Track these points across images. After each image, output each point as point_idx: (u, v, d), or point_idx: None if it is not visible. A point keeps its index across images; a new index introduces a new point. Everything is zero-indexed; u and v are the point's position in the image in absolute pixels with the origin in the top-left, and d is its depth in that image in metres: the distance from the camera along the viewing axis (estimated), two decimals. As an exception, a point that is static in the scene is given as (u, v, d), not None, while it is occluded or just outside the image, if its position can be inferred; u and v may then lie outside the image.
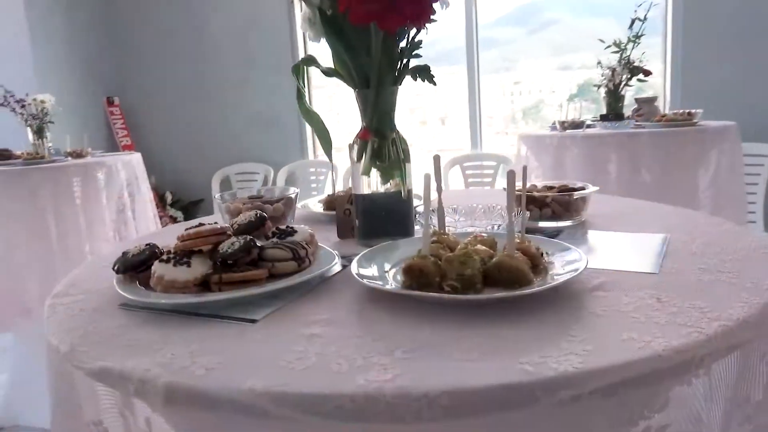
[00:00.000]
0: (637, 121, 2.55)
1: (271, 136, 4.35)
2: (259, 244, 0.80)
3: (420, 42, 0.95)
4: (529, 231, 0.99)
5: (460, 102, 4.31)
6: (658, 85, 3.72)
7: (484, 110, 4.37)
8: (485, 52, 4.86)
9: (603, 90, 2.63)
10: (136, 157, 3.21)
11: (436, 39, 4.92)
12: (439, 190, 0.82)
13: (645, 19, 2.55)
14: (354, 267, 0.77)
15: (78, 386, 0.65)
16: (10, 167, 2.82)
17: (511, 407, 0.51)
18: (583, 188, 1.07)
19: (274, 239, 0.85)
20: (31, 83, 3.80)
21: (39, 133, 3.07)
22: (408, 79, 0.95)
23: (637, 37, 2.59)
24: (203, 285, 0.76)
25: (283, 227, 0.89)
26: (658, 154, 2.25)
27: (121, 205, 3.10)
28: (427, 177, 0.72)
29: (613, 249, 0.89)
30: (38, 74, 3.94)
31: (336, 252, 0.87)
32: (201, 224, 0.82)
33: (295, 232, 0.87)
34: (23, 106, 3.03)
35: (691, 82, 3.50)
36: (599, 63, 2.62)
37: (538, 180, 2.55)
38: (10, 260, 2.77)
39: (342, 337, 0.62)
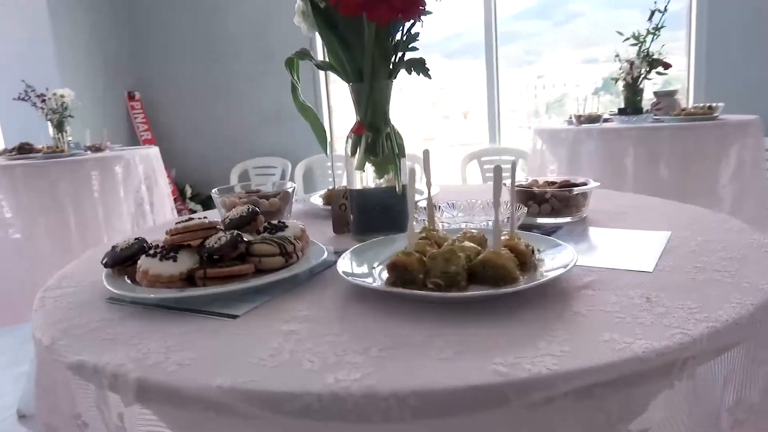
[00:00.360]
0: (655, 115, 2.49)
1: (289, 131, 4.36)
2: (246, 239, 0.80)
3: (416, 35, 0.94)
4: (527, 227, 0.98)
5: (483, 96, 4.27)
6: (682, 79, 3.64)
7: (506, 104, 4.32)
8: (508, 45, 4.81)
9: (621, 83, 2.58)
10: (154, 151, 3.24)
11: (461, 32, 4.89)
12: (429, 185, 0.80)
13: (665, 10, 2.49)
14: (340, 263, 0.76)
15: (59, 379, 0.66)
16: (30, 161, 2.87)
17: (482, 408, 0.49)
18: (584, 184, 1.04)
19: (265, 234, 0.85)
20: (53, 78, 3.86)
21: (59, 127, 3.12)
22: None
23: (657, 28, 2.53)
24: (190, 280, 0.76)
25: (275, 222, 0.89)
26: (676, 148, 2.20)
27: (140, 198, 3.14)
28: (412, 172, 0.71)
29: (610, 246, 0.87)
30: (60, 69, 3.99)
31: (327, 247, 0.86)
32: (190, 218, 0.82)
33: (286, 227, 0.87)
34: (44, 101, 3.08)
35: (716, 76, 3.41)
36: (617, 56, 2.56)
37: (553, 175, 2.52)
38: (31, 252, 2.83)
39: (319, 334, 0.61)
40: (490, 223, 0.90)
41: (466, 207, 1.05)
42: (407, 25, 0.91)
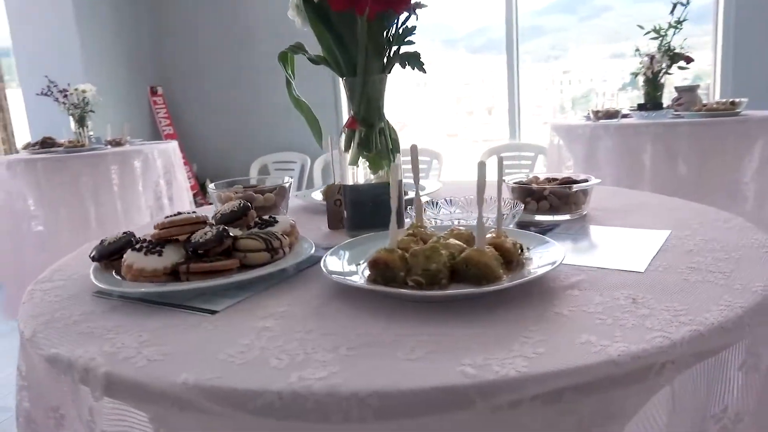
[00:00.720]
0: (676, 110, 2.43)
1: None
2: (234, 234, 0.80)
3: (413, 28, 0.92)
4: (525, 225, 0.96)
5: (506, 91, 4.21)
6: (711, 74, 3.55)
7: (531, 100, 4.27)
8: (534, 40, 4.76)
9: (641, 78, 2.52)
10: (173, 146, 3.27)
11: (485, 27, 4.84)
12: (416, 180, 0.79)
13: (687, 3, 2.43)
14: (325, 260, 0.75)
15: (39, 372, 0.66)
16: (52, 155, 2.92)
17: (445, 410, 0.48)
18: (586, 181, 1.02)
19: (255, 229, 0.84)
20: (78, 74, 3.92)
21: (80, 122, 3.16)
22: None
23: (679, 22, 2.47)
24: (175, 274, 0.76)
25: (266, 217, 0.88)
26: (695, 145, 2.15)
27: (158, 192, 3.17)
28: (394, 167, 0.69)
29: (606, 245, 0.85)
30: (85, 65, 4.05)
31: (314, 243, 0.85)
32: (179, 213, 0.82)
33: (276, 222, 0.86)
34: (65, 96, 3.12)
35: (743, 71, 3.32)
36: (637, 50, 2.51)
37: (568, 171, 2.48)
38: (52, 244, 2.88)
39: (292, 331, 0.61)
40: (491, 220, 0.89)
41: (464, 203, 1.03)
42: (402, 18, 0.90)
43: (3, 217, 3.03)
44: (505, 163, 2.68)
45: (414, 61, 0.91)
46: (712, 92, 3.55)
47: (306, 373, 0.51)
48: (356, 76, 0.90)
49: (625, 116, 2.51)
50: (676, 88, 2.53)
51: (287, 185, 1.08)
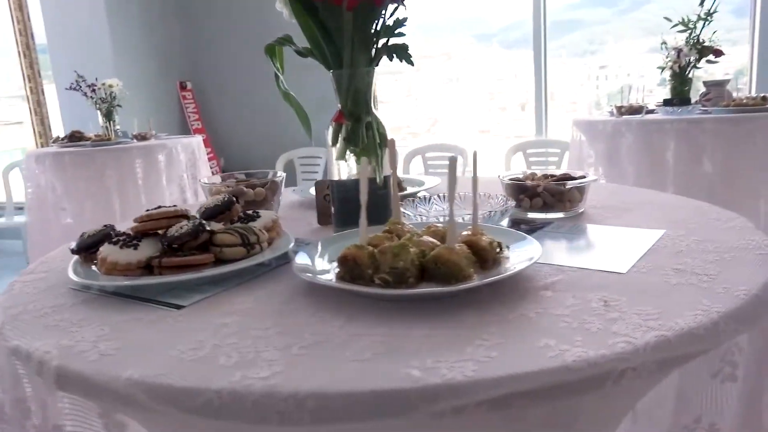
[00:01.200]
0: (704, 106, 2.35)
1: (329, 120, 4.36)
2: (212, 228, 0.79)
3: (404, 20, 0.90)
4: (518, 222, 0.93)
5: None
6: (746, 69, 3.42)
7: (566, 96, 4.19)
8: (570, 34, 4.66)
9: (668, 73, 2.44)
10: (197, 140, 3.31)
11: (520, 21, 4.77)
12: (394, 176, 0.77)
13: (718, -6, 2.34)
14: (298, 256, 0.74)
15: (7, 363, 0.66)
16: (80, 148, 2.98)
17: (385, 415, 0.46)
18: (583, 178, 0.98)
19: (238, 224, 0.83)
20: (108, 69, 3.99)
21: (108, 116, 3.22)
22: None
23: (709, 14, 2.38)
24: (150, 268, 0.75)
25: (249, 212, 0.87)
26: (722, 142, 2.06)
27: (182, 186, 3.21)
28: (365, 162, 0.68)
29: (594, 245, 0.81)
30: (116, 60, 4.12)
31: (302, 239, 0.84)
32: (159, 206, 0.82)
33: (259, 217, 0.85)
34: (93, 91, 3.18)
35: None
36: (664, 43, 2.43)
37: (590, 169, 2.42)
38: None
39: (250, 328, 0.60)
40: (485, 215, 0.86)
41: (458, 200, 1.01)
42: (390, 9, 0.88)
43: (34, 209, 3.11)
44: (530, 159, 2.61)
45: (401, 53, 0.89)
46: (748, 88, 3.42)
47: (251, 372, 0.50)
48: (343, 68, 0.88)
49: (650, 112, 2.43)
50: (705, 83, 2.44)
51: (279, 180, 1.07)
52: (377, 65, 0.91)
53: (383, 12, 0.87)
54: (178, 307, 0.67)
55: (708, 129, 2.08)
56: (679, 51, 2.38)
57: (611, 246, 0.79)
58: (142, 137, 3.17)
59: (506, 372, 0.47)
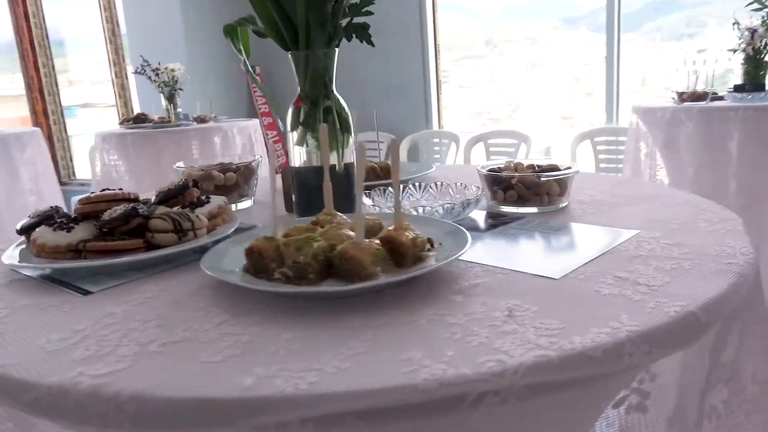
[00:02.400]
0: (779, 92, 2.12)
1: (396, 106, 4.31)
2: (145, 212, 0.77)
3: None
4: (493, 216, 0.86)
5: (631, 72, 3.91)
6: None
7: (660, 82, 3.96)
8: (665, 16, 4.40)
9: (741, 56, 2.22)
10: (253, 123, 3.35)
11: (613, 1, 4.52)
12: (326, 162, 0.72)
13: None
14: (216, 247, 0.71)
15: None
16: (143, 130, 3.10)
17: (204, 425, 0.42)
18: (564, 169, 0.89)
19: (176, 209, 0.81)
20: (181, 53, 4.12)
21: (170, 99, 3.32)
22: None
23: (791, -10, 2.14)
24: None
25: (203, 197, 0.85)
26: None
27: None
28: (271, 147, 0.63)
29: (546, 245, 0.73)
30: (188, 45, 4.25)
31: (264, 226, 0.81)
32: (104, 189, 0.81)
33: (207, 202, 0.83)
34: (157, 74, 3.29)
35: None
36: (735, 23, 2.21)
37: (647, 159, 2.25)
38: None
39: (131, 320, 0.57)
40: (444, 207, 0.80)
41: (434, 190, 0.95)
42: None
43: (100, 188, 3.27)
44: (598, 148, 2.46)
45: (361, 33, 0.83)
46: None
47: (92, 368, 0.48)
48: (299, 49, 0.84)
49: (718, 99, 2.22)
50: (782, 67, 2.20)
51: (254, 165, 1.05)
52: (337, 46, 0.85)
53: (342, -11, 0.82)
54: (86, 292, 0.65)
55: (776, 117, 1.87)
56: (753, 31, 2.16)
57: (565, 247, 0.71)
58: (201, 120, 3.25)
59: (339, 388, 0.42)
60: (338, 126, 0.86)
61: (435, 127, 4.35)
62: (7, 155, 3.11)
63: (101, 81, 5.38)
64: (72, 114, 5.67)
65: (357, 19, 0.85)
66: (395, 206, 0.65)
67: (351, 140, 0.88)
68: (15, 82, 5.39)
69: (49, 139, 5.13)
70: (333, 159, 0.86)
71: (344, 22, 0.86)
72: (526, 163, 0.94)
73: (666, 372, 0.50)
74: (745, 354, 0.59)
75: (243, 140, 3.25)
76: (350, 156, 0.88)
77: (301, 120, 0.86)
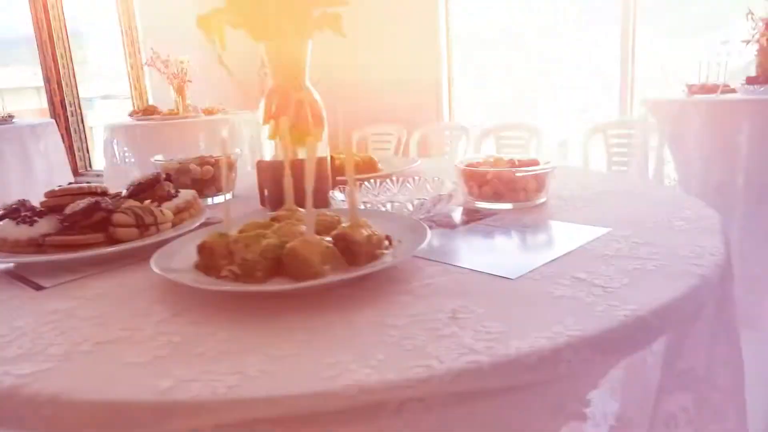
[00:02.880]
0: (793, 84, 2.05)
1: (407, 97, 4.27)
2: (105, 206, 0.76)
3: (346, -12, 0.83)
4: (470, 212, 0.84)
5: (651, 65, 3.82)
6: None
7: (680, 75, 3.88)
8: (688, 8, 4.31)
9: (754, 47, 2.16)
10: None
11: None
12: (286, 159, 0.70)
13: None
14: (174, 242, 0.70)
15: None
16: (150, 122, 3.12)
17: (107, 428, 0.41)
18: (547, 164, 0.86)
19: (155, 203, 0.80)
20: (195, 45, 4.12)
21: (179, 91, 3.32)
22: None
23: (808, -22, 2.07)
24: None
25: (173, 191, 0.84)
26: (805, 126, 1.79)
27: (243, 159, 3.27)
28: (223, 140, 0.62)
29: (509, 243, 0.71)
30: (201, 36, 4.25)
31: (211, 219, 0.80)
32: (70, 183, 0.80)
33: (176, 196, 0.82)
34: (167, 66, 3.29)
35: None
36: (749, 12, 2.14)
37: (654, 153, 2.20)
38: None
39: (72, 318, 0.56)
40: (414, 203, 0.78)
41: (413, 185, 0.92)
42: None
43: (111, 178, 3.29)
44: (611, 141, 2.41)
45: (333, 24, 0.81)
46: None
47: (18, 368, 0.47)
48: (271, 40, 0.82)
49: (730, 91, 2.16)
50: (797, 58, 2.13)
51: (234, 159, 1.03)
52: (310, 37, 0.84)
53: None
54: (39, 287, 0.65)
55: (787, 110, 1.81)
56: (767, 22, 2.09)
57: (530, 245, 0.69)
58: (209, 112, 3.25)
59: (257, 394, 0.41)
60: (310, 119, 0.84)
61: (446, 119, 4.31)
62: (22, 146, 3.15)
63: (120, 73, 5.42)
64: (92, 105, 5.73)
65: (330, 10, 0.83)
66: (349, 203, 0.63)
67: (324, 134, 0.86)
68: (37, 75, 5.45)
69: (66, 130, 5.18)
70: (304, 153, 0.84)
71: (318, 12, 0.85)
72: (506, 157, 0.92)
73: (608, 377, 0.47)
74: (707, 360, 0.56)
75: (251, 132, 3.25)
76: (325, 150, 0.87)
77: (273, 113, 0.84)
